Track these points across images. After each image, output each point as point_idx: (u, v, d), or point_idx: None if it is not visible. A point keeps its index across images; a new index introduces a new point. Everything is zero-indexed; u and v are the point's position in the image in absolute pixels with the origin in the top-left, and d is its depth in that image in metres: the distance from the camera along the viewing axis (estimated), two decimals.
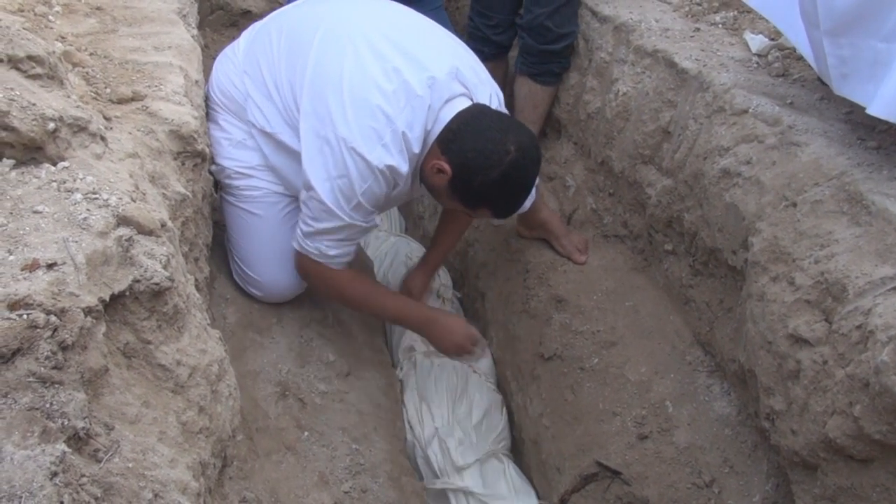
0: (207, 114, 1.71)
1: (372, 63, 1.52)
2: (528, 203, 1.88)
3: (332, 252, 1.61)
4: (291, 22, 1.69)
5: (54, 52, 1.13)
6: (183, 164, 1.34)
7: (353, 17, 1.65)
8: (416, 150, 1.52)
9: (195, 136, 1.38)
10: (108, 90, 1.43)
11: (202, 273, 1.39)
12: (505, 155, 1.50)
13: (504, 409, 2.06)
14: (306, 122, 1.53)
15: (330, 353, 1.73)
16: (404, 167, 1.52)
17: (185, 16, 2.04)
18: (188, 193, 1.27)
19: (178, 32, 1.82)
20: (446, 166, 1.51)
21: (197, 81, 1.64)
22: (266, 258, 1.71)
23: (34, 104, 1.03)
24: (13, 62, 1.05)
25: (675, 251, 1.92)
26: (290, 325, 1.74)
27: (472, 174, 1.51)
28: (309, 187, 1.54)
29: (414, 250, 2.35)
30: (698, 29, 2.16)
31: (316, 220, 1.57)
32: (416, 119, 1.50)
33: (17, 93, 1.03)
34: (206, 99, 1.72)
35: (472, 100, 1.60)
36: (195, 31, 1.92)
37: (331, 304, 1.86)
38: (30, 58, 1.07)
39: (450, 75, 1.56)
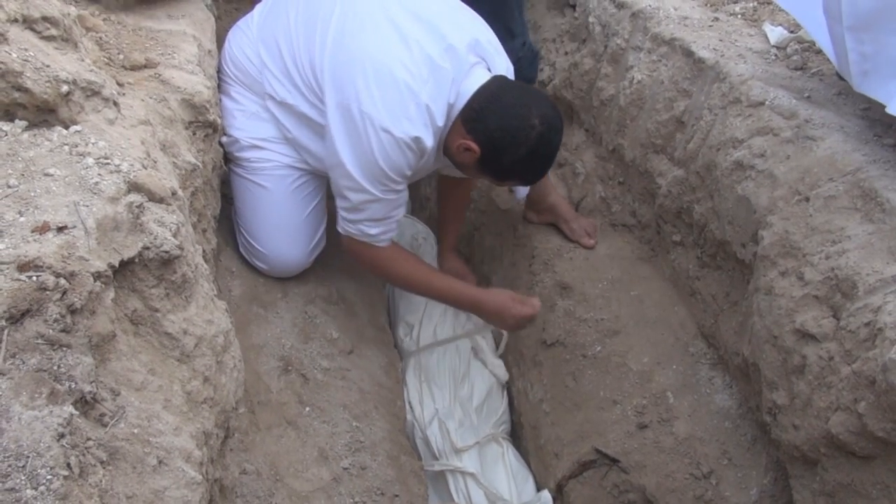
0: (220, 86, 1.69)
1: (393, 36, 1.52)
2: None
3: (372, 231, 1.63)
4: None
5: (69, 15, 1.12)
6: (194, 133, 1.33)
7: None
8: (440, 122, 1.53)
9: (207, 105, 1.37)
10: (121, 56, 1.42)
11: (209, 244, 1.39)
12: (531, 130, 1.53)
13: (505, 392, 2.06)
14: (330, 98, 1.53)
15: (333, 330, 1.73)
16: (430, 139, 1.53)
17: None
18: (198, 163, 1.26)
19: (192, 2, 1.81)
20: (474, 145, 1.54)
21: (210, 51, 1.63)
22: (273, 232, 1.70)
23: (48, 66, 1.02)
24: (28, 22, 1.04)
25: (683, 242, 1.91)
26: (295, 301, 1.74)
27: (501, 152, 1.54)
28: (337, 165, 1.54)
29: (420, 231, 2.34)
30: (717, 18, 2.13)
31: (349, 201, 1.59)
32: (439, 92, 1.51)
33: (32, 54, 1.02)
34: (219, 71, 1.71)
35: (490, 70, 1.60)
36: (209, 1, 1.90)
37: (335, 280, 1.86)
38: (45, 19, 1.06)
39: (469, 46, 1.56)
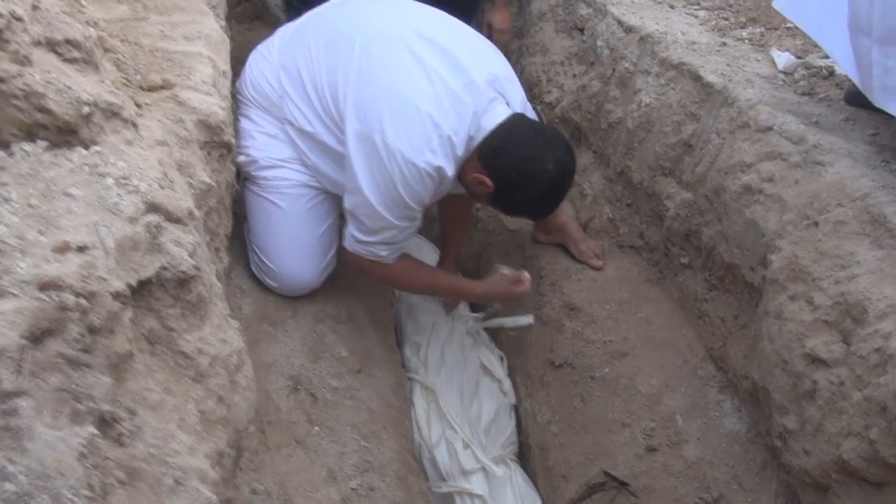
0: (238, 108, 1.71)
1: (415, 69, 1.55)
2: None
3: (383, 253, 1.67)
4: (330, 24, 1.70)
5: (90, 37, 1.14)
6: (209, 154, 1.35)
7: (392, 20, 1.66)
8: (460, 153, 1.57)
9: (222, 126, 1.38)
10: (138, 77, 1.44)
11: (222, 263, 1.40)
12: (545, 174, 1.58)
13: (513, 413, 2.06)
14: (352, 128, 1.56)
15: (342, 349, 1.74)
16: (450, 170, 1.57)
17: (214, 6, 2.05)
18: (213, 183, 1.28)
19: (208, 23, 1.83)
20: (488, 181, 1.58)
21: (224, 72, 1.65)
22: (286, 250, 1.72)
23: (70, 87, 1.04)
24: (51, 45, 1.06)
25: (691, 265, 1.92)
26: (305, 319, 1.75)
27: (514, 191, 1.60)
28: (356, 192, 1.57)
29: (424, 247, 2.35)
30: (725, 43, 2.16)
31: (364, 225, 1.62)
32: (460, 124, 1.54)
33: (54, 76, 1.03)
34: (237, 94, 1.73)
35: (508, 105, 1.63)
36: (223, 23, 1.93)
37: (345, 299, 1.87)
38: (67, 41, 1.08)
39: (488, 82, 1.59)
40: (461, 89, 1.56)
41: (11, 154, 1.01)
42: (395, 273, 1.77)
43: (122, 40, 1.57)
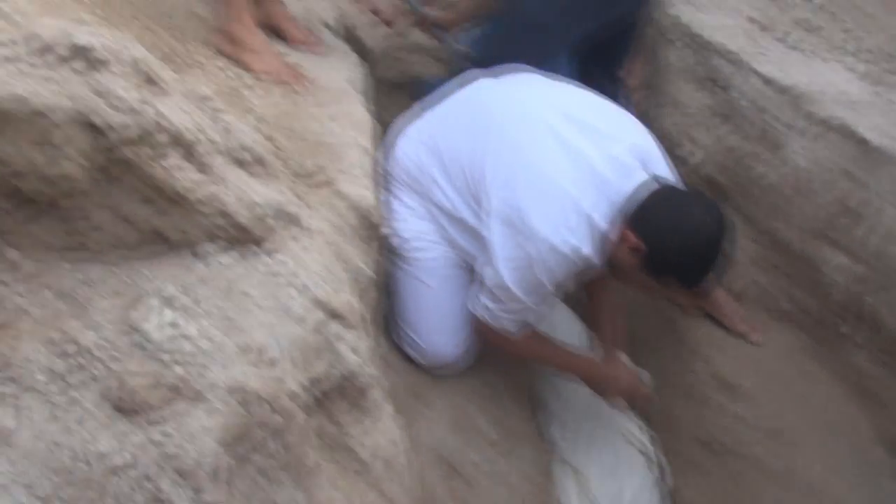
0: (386, 187, 1.78)
1: (556, 148, 1.55)
2: None
3: (513, 329, 1.65)
4: (472, 103, 1.74)
5: (262, 142, 1.23)
6: (368, 245, 1.40)
7: (531, 98, 1.68)
8: (603, 228, 1.53)
9: (375, 213, 1.44)
10: (296, 166, 1.53)
11: (380, 348, 1.44)
12: (703, 227, 1.51)
13: (658, 491, 1.97)
14: (491, 208, 1.57)
15: (484, 424, 1.73)
16: (591, 250, 1.53)
17: (359, 87, 2.16)
18: (373, 275, 1.32)
19: (355, 105, 1.92)
20: (640, 245, 1.51)
21: (372, 153, 1.73)
22: (435, 327, 1.74)
23: (246, 192, 1.12)
24: (230, 153, 1.15)
25: (856, 338, 1.78)
26: (449, 394, 1.76)
27: (668, 252, 1.52)
28: (493, 271, 1.58)
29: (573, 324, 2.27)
30: (877, 93, 2.02)
31: (498, 301, 1.62)
32: (601, 200, 1.52)
33: (233, 182, 1.12)
34: (385, 173, 1.79)
35: (650, 174, 1.59)
36: (371, 106, 2.01)
37: (485, 373, 1.87)
38: (243, 148, 1.17)
39: (631, 152, 1.56)
40: (602, 164, 1.54)
41: (196, 256, 1.10)
42: (520, 346, 1.74)
43: (280, 129, 1.68)
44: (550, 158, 1.54)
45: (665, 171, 1.63)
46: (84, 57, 1.00)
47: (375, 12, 2.55)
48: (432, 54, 2.79)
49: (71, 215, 1.05)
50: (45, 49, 0.99)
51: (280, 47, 2.07)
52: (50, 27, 1.00)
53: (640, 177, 1.56)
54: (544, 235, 1.50)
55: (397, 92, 2.65)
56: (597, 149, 1.55)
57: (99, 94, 0.98)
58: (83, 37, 1.00)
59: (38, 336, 0.96)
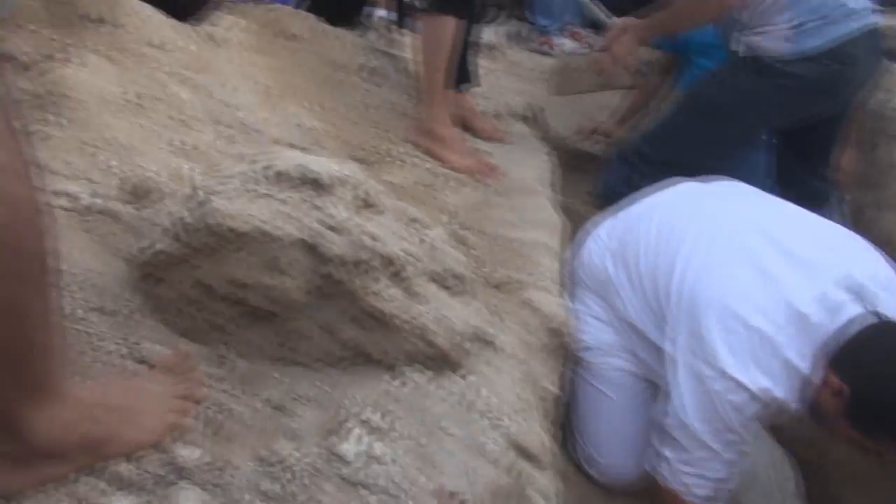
0: (571, 290, 1.73)
1: (751, 275, 1.42)
2: None
3: (701, 493, 1.49)
4: (665, 214, 1.66)
5: (461, 259, 1.23)
6: (555, 360, 1.37)
7: (732, 216, 1.57)
8: (805, 372, 1.37)
9: (566, 328, 1.40)
10: (487, 271, 1.53)
11: None
12: None
13: None
14: (674, 333, 1.47)
15: None
16: (784, 392, 1.38)
17: (547, 181, 2.15)
18: (559, 393, 1.28)
19: (544, 203, 1.91)
20: (844, 387, 1.33)
21: (563, 259, 1.69)
22: (612, 442, 1.66)
23: (448, 317, 1.12)
24: (433, 275, 1.16)
25: None
26: None
27: (878, 395, 1.32)
28: (680, 414, 1.46)
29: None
30: None
31: (679, 450, 1.48)
32: (804, 343, 1.36)
33: (435, 306, 1.13)
34: (572, 273, 1.75)
35: (866, 309, 1.40)
36: (559, 196, 2.00)
37: None
38: (446, 270, 1.18)
39: (839, 284, 1.39)
40: (804, 299, 1.38)
41: (394, 376, 1.11)
42: None
43: (472, 229, 1.70)
44: (744, 290, 1.41)
45: (893, 307, 1.43)
46: (312, 184, 1.07)
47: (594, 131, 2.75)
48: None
49: (284, 327, 1.11)
50: (280, 177, 1.07)
51: (468, 137, 2.14)
52: (286, 158, 1.08)
53: (851, 311, 1.38)
54: (732, 373, 1.37)
55: (580, 172, 2.61)
56: (801, 281, 1.40)
57: (322, 222, 1.04)
58: (313, 167, 1.06)
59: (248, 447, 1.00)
